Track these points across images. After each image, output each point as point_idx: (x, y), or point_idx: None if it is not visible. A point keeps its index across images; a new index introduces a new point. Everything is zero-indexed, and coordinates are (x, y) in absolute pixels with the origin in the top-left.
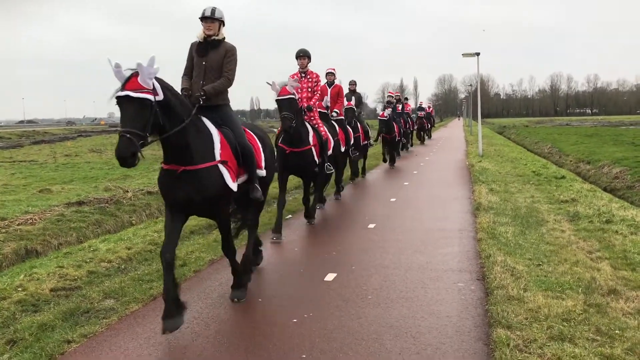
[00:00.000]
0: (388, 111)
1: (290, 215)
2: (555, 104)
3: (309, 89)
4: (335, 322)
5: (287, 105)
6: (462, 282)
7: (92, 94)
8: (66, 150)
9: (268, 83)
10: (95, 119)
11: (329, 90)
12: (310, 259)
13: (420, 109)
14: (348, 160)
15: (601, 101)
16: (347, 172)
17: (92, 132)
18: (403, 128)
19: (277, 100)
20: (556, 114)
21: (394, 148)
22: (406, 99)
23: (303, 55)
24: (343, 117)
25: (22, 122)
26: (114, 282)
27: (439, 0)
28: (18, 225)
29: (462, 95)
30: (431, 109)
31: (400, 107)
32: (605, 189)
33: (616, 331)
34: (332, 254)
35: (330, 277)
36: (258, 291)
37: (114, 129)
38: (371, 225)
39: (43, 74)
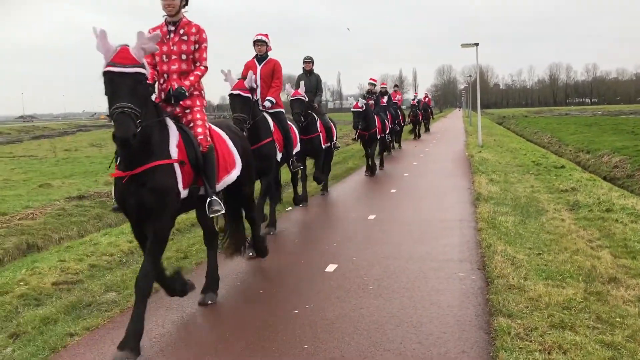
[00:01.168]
0: (364, 101)
1: (290, 207)
2: (554, 93)
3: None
4: (336, 312)
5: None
6: (463, 272)
7: (91, 89)
8: (66, 145)
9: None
10: (95, 113)
11: (259, 67)
12: (311, 250)
13: (415, 100)
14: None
15: (600, 90)
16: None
17: (92, 127)
18: (390, 124)
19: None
20: (555, 103)
21: (373, 147)
22: (396, 86)
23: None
24: (281, 110)
25: (22, 117)
26: (116, 275)
27: None
28: (19, 220)
29: (461, 86)
30: (428, 99)
31: (385, 99)
32: (605, 178)
33: (617, 319)
34: (332, 245)
35: (331, 268)
36: (259, 282)
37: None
38: (371, 217)
39: (41, 68)
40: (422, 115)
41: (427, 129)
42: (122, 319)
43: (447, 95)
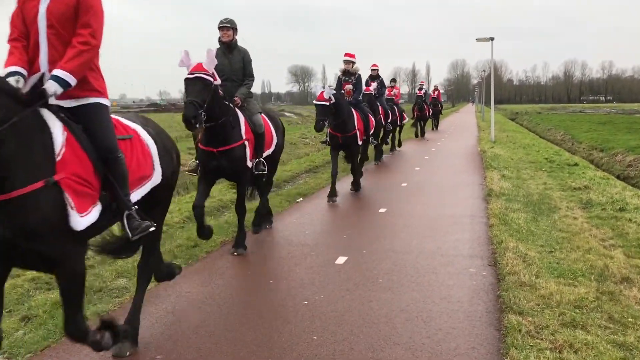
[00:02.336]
0: (332, 91)
1: (301, 198)
2: (568, 90)
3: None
4: (345, 305)
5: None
6: (474, 268)
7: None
8: None
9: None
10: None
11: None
12: (321, 242)
13: (421, 90)
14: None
15: (615, 88)
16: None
17: None
18: (382, 121)
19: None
20: (569, 101)
21: (351, 155)
22: (393, 80)
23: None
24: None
25: None
26: (127, 261)
27: None
28: None
29: (474, 81)
30: (438, 92)
31: (373, 87)
32: (618, 177)
33: (629, 319)
34: (342, 237)
35: (341, 260)
36: (270, 273)
37: (126, 110)
38: (382, 210)
39: None
40: (429, 111)
41: (435, 127)
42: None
43: (460, 90)
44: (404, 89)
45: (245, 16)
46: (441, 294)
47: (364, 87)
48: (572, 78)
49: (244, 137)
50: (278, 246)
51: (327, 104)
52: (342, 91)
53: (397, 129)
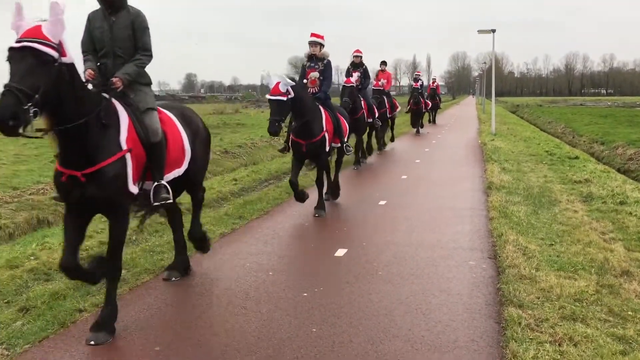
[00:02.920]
0: (289, 82)
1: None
2: (570, 83)
3: None
4: (345, 297)
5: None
6: (473, 261)
7: None
8: None
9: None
10: None
11: None
12: (321, 234)
13: (418, 81)
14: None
15: (616, 81)
16: None
17: None
18: (366, 118)
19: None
20: (570, 93)
21: (320, 167)
22: (383, 63)
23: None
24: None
25: None
26: (125, 253)
27: None
28: (30, 195)
29: (475, 73)
30: (436, 83)
31: (355, 77)
32: (619, 170)
33: (629, 312)
34: (342, 229)
35: (340, 252)
36: (269, 265)
37: None
38: (382, 202)
39: None
40: (426, 104)
41: (433, 121)
42: (131, 296)
43: (460, 82)
44: (404, 81)
45: (243, 7)
46: (441, 287)
47: (344, 79)
48: (573, 71)
49: (123, 147)
50: (277, 238)
51: (284, 99)
52: (305, 81)
53: (389, 122)
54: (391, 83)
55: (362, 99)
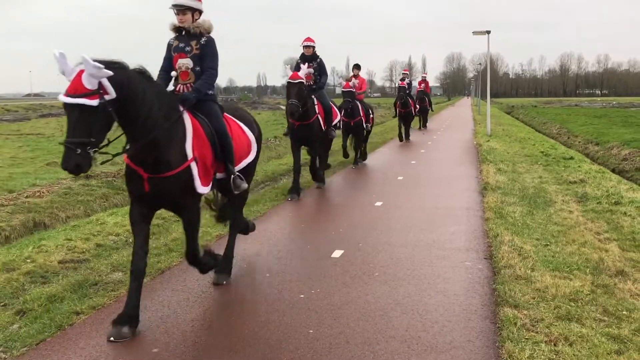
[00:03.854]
0: (307, 70)
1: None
2: (564, 84)
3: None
4: (342, 298)
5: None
6: (469, 261)
7: None
8: None
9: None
10: None
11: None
12: (317, 235)
13: (404, 80)
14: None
15: (611, 82)
16: None
17: None
18: (321, 125)
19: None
20: (565, 94)
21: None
22: (356, 67)
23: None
24: None
25: (29, 95)
26: (122, 255)
27: None
28: (26, 197)
29: (470, 74)
30: (426, 83)
31: (303, 71)
32: (613, 171)
33: (623, 312)
34: (339, 231)
35: (337, 253)
36: (266, 266)
37: None
38: (378, 203)
39: (49, 47)
40: (415, 106)
41: (423, 125)
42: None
43: (456, 83)
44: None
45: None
46: (437, 287)
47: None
48: (568, 71)
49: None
50: (274, 239)
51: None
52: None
53: (357, 135)
54: (365, 88)
55: (315, 101)
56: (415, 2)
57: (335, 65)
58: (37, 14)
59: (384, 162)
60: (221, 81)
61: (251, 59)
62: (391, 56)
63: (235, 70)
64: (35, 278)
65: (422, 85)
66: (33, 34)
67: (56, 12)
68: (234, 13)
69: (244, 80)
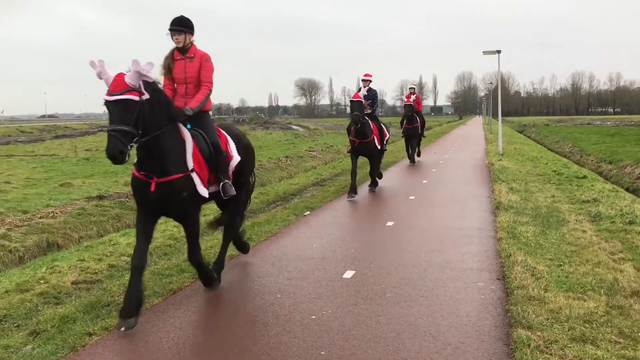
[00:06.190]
0: (365, 92)
1: (308, 212)
2: (576, 102)
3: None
4: (353, 319)
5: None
6: (482, 282)
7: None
8: (87, 145)
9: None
10: None
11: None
12: (328, 255)
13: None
14: None
15: (623, 100)
16: None
17: None
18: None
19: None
20: (577, 112)
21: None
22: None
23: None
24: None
25: (43, 116)
26: None
27: None
28: (40, 218)
29: (481, 93)
30: (416, 96)
31: (363, 92)
32: (627, 189)
33: (639, 334)
34: (350, 251)
35: (348, 274)
36: (277, 287)
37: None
38: (390, 223)
39: (63, 69)
40: (422, 125)
41: (412, 158)
42: (141, 319)
43: (467, 102)
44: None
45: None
46: (449, 308)
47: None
48: (579, 90)
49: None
50: (285, 260)
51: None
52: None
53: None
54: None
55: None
56: (426, 21)
57: (346, 84)
58: (54, 36)
59: (395, 181)
60: (233, 101)
61: (263, 79)
62: (402, 75)
63: (247, 90)
64: (49, 299)
65: (412, 99)
66: (49, 56)
67: (72, 36)
68: (246, 34)
69: (256, 100)
